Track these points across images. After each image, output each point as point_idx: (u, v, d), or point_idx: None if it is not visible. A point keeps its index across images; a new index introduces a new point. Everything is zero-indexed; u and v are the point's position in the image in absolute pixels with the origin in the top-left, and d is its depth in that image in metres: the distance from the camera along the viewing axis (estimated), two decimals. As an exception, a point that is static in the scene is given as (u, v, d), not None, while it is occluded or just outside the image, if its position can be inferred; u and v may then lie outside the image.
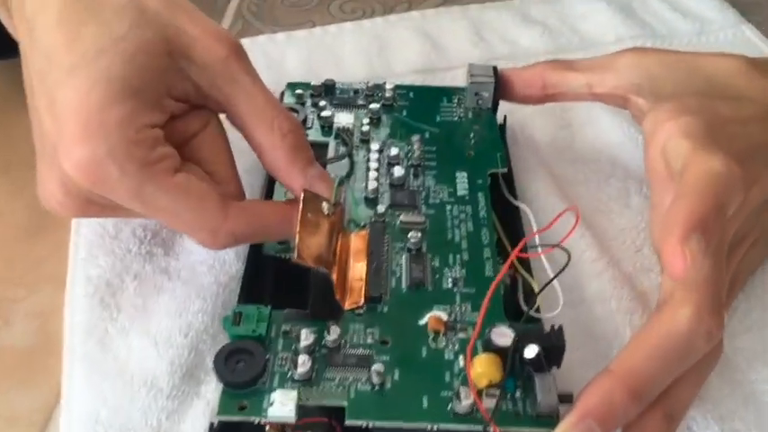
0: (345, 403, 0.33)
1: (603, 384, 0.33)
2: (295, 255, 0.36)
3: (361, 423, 0.32)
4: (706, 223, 0.34)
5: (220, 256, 0.43)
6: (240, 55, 0.39)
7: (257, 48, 0.61)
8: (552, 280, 0.37)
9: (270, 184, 0.45)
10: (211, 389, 0.38)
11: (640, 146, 0.43)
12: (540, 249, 0.38)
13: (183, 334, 0.40)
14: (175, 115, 0.39)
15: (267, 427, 0.33)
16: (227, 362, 0.34)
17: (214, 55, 0.38)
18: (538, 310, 0.38)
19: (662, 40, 0.62)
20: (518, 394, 0.34)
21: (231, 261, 0.43)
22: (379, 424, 0.33)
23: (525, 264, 0.40)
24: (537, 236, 0.39)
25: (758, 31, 0.64)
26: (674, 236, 0.33)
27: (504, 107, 0.51)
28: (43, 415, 0.39)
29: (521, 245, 0.35)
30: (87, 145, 0.34)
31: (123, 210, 0.38)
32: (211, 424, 0.34)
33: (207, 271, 0.43)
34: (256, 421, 0.32)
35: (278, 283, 0.41)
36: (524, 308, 0.38)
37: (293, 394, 0.33)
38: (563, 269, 0.35)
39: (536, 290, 0.39)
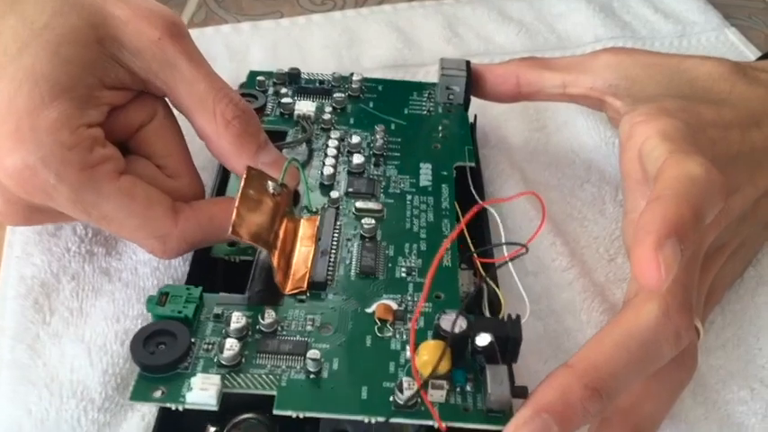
0: (275, 392, 0.30)
1: (561, 379, 0.30)
2: (230, 230, 0.34)
3: (291, 414, 0.30)
4: (682, 229, 0.31)
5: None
6: (176, 36, 0.36)
7: (220, 37, 0.59)
8: (507, 262, 0.34)
9: (224, 175, 0.43)
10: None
11: (617, 150, 0.41)
12: (504, 250, 0.35)
13: (120, 341, 0.37)
14: (117, 105, 0.37)
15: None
16: (146, 343, 0.31)
17: (145, 38, 0.36)
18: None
19: (642, 41, 0.60)
20: (468, 387, 0.31)
21: (177, 264, 0.41)
22: (310, 415, 0.30)
23: (491, 270, 0.38)
24: (502, 236, 0.38)
25: (741, 35, 0.62)
26: (648, 242, 0.30)
27: (477, 106, 0.49)
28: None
29: (471, 214, 0.31)
30: (18, 153, 0.33)
31: (70, 217, 0.36)
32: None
33: (150, 273, 0.40)
34: (173, 407, 0.30)
35: (228, 288, 0.38)
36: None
37: (216, 379, 0.30)
38: (518, 255, 0.33)
39: (501, 297, 0.36)
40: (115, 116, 0.36)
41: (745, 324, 0.41)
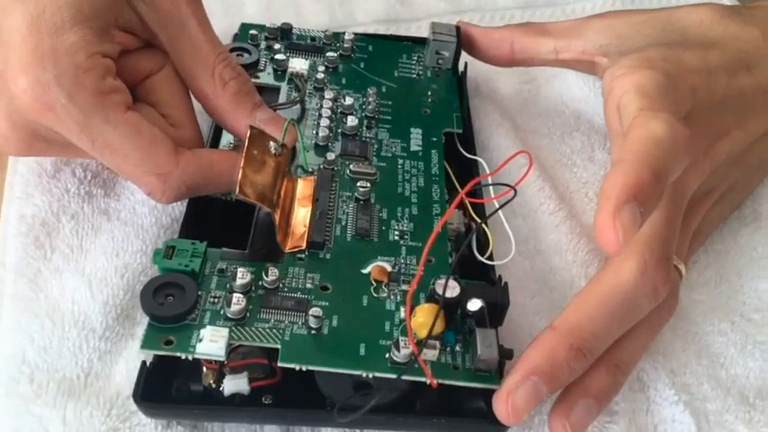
0: (279, 345, 0.32)
1: (547, 342, 0.32)
2: (237, 190, 0.35)
3: (295, 366, 0.31)
4: (642, 192, 0.32)
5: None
6: None
7: (215, -9, 0.58)
8: (498, 210, 0.35)
9: (217, 129, 0.44)
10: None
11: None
12: (491, 191, 0.36)
13: (120, 274, 0.38)
14: (126, 50, 0.38)
15: (204, 369, 0.32)
16: (155, 295, 0.33)
17: None
18: (491, 257, 0.37)
19: (632, 0, 0.60)
20: (458, 348, 0.33)
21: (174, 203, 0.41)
22: (313, 368, 0.32)
23: (480, 212, 0.39)
24: (491, 181, 0.39)
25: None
26: (606, 208, 0.31)
27: (467, 56, 0.49)
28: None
29: (469, 186, 0.33)
30: (34, 70, 0.33)
31: (70, 148, 0.36)
32: (143, 362, 0.33)
33: (148, 212, 0.41)
34: (183, 357, 0.31)
35: (226, 227, 0.39)
36: (477, 255, 0.37)
37: (224, 332, 0.32)
38: (509, 201, 0.34)
39: (489, 235, 0.37)
40: (126, 60, 0.38)
41: (728, 264, 0.43)
